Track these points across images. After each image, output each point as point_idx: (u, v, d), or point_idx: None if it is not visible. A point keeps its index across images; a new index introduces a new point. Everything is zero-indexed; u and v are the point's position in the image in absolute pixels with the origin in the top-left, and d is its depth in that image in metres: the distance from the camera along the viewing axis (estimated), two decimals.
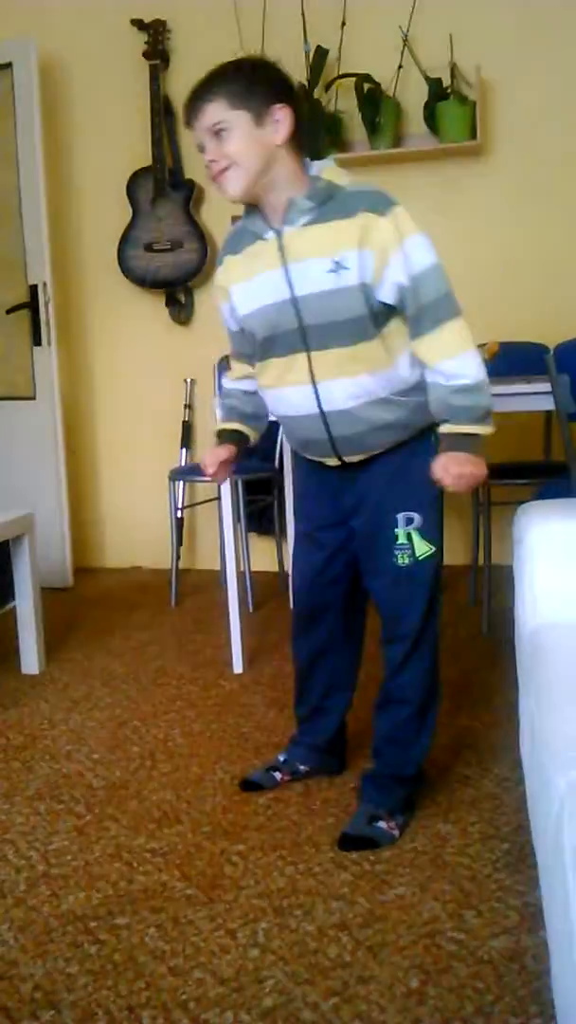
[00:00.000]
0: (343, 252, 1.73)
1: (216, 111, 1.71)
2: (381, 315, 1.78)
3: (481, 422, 1.78)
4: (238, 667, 3.05)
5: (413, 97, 3.94)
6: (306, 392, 1.85)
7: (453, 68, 3.86)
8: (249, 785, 2.22)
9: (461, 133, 3.83)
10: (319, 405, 1.85)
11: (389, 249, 1.72)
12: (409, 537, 1.92)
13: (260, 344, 1.90)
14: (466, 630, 3.36)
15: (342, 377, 1.81)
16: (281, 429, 2.18)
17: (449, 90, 3.84)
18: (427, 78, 3.84)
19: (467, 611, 3.60)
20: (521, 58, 3.89)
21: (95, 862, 1.95)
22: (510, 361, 3.09)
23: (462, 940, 1.63)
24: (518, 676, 1.91)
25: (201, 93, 1.73)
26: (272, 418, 2.11)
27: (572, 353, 2.62)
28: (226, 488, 2.95)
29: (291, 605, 2.25)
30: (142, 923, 1.73)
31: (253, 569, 3.95)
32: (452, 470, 1.76)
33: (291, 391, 1.87)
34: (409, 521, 1.91)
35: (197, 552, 4.56)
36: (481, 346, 2.83)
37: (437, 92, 3.83)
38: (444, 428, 1.80)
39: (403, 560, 1.93)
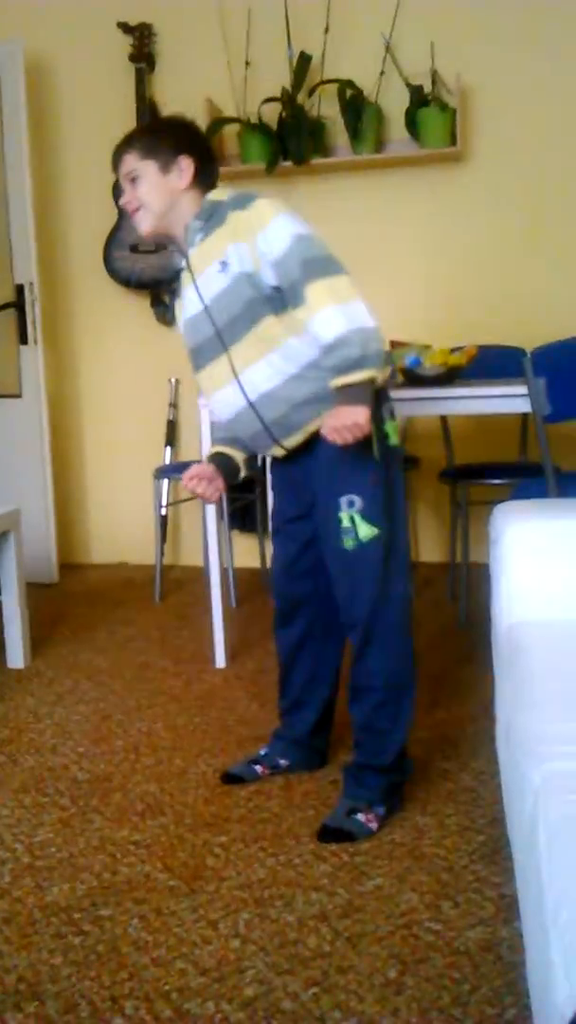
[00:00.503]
0: (225, 252, 1.94)
1: (130, 160, 2.02)
2: (275, 299, 1.92)
3: (353, 371, 1.83)
4: (221, 662, 3.08)
5: (395, 103, 3.97)
6: (234, 388, 2.00)
7: (434, 75, 3.90)
8: (230, 778, 2.26)
9: (441, 139, 3.87)
10: (246, 396, 1.98)
11: (256, 237, 1.90)
12: (352, 520, 1.96)
13: (191, 357, 2.09)
14: (444, 626, 3.41)
15: (255, 362, 1.95)
16: None
17: (430, 97, 3.87)
18: (408, 85, 3.88)
19: (445, 607, 3.64)
20: (501, 66, 3.93)
21: (79, 854, 1.98)
22: (488, 364, 3.14)
23: (439, 931, 1.66)
24: (495, 672, 1.95)
25: (120, 145, 2.05)
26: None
27: (548, 357, 2.65)
28: None
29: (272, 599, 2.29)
30: (125, 914, 1.76)
31: (236, 565, 3.99)
32: (329, 424, 1.86)
33: (223, 392, 2.03)
34: (351, 504, 1.96)
35: (181, 548, 4.59)
36: (459, 349, 2.89)
37: (418, 99, 3.86)
38: (332, 383, 1.87)
39: (348, 544, 1.97)
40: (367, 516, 1.95)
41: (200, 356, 2.06)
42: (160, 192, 2.00)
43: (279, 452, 2.04)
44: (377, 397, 1.93)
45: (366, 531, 1.96)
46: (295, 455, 2.04)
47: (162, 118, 2.07)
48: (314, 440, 1.98)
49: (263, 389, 1.95)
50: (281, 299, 1.91)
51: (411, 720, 2.07)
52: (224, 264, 1.94)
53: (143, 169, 2.00)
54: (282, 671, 2.27)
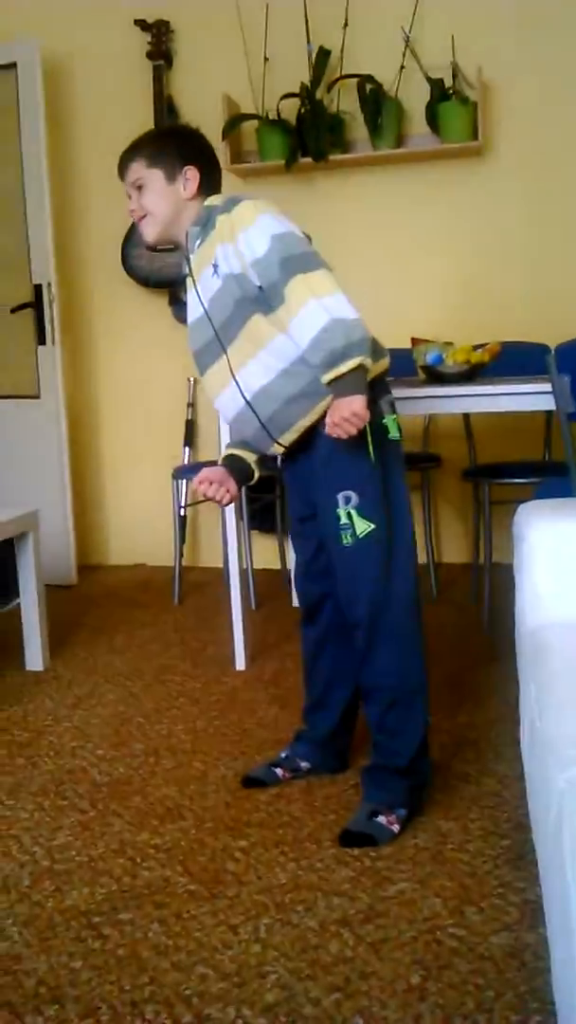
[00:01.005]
0: (215, 255, 1.98)
1: (136, 169, 2.04)
2: (261, 298, 1.94)
3: (341, 362, 1.83)
4: (240, 664, 3.06)
5: (415, 97, 3.95)
6: (232, 388, 2.03)
7: (455, 69, 3.87)
8: (251, 782, 2.24)
9: (462, 133, 3.84)
10: (243, 395, 2.01)
11: (238, 238, 1.93)
12: (349, 516, 1.95)
13: (196, 360, 2.13)
14: (467, 628, 3.38)
15: (248, 361, 1.98)
16: None
17: (451, 91, 3.85)
18: (429, 79, 3.85)
19: (468, 609, 3.61)
20: (522, 59, 3.90)
21: (99, 858, 1.96)
22: (511, 361, 3.11)
23: (463, 936, 1.64)
24: (518, 674, 1.92)
25: (127, 153, 2.07)
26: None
27: (573, 353, 2.62)
28: None
29: (294, 601, 2.28)
30: (145, 918, 1.74)
31: (255, 567, 3.97)
32: (328, 421, 1.86)
33: (224, 393, 2.06)
34: (347, 500, 1.95)
35: (200, 550, 4.57)
36: (482, 346, 2.86)
37: (439, 93, 3.84)
38: (322, 377, 1.87)
39: (346, 540, 1.97)
40: (363, 512, 1.95)
41: (203, 358, 2.09)
42: (166, 201, 2.04)
43: (279, 450, 2.05)
44: (374, 390, 1.93)
45: (363, 527, 1.95)
46: (297, 454, 2.05)
47: (168, 127, 2.16)
48: (312, 438, 1.99)
49: (257, 387, 1.98)
50: (267, 298, 1.93)
51: (426, 721, 2.06)
52: (215, 267, 1.98)
53: (149, 178, 2.03)
54: (305, 671, 2.27)
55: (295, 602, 2.52)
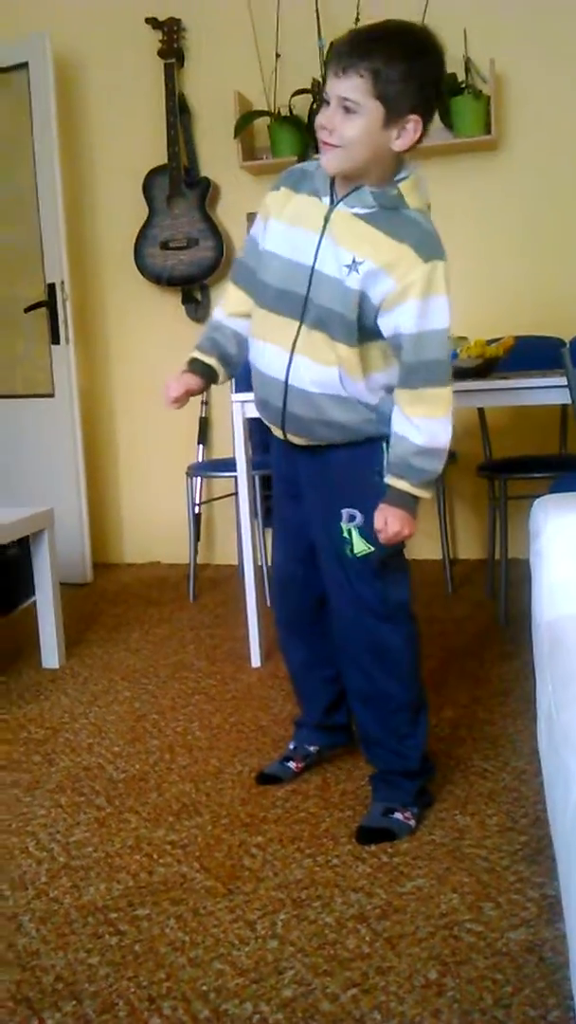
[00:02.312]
0: (365, 259, 1.75)
1: (357, 87, 1.65)
2: (368, 333, 1.80)
3: (428, 487, 1.84)
4: (256, 661, 3.06)
5: None
6: (283, 358, 1.86)
7: (467, 62, 3.86)
8: (265, 778, 2.24)
9: (476, 128, 3.83)
10: (287, 374, 1.87)
11: (411, 294, 1.74)
12: (350, 533, 1.94)
13: (265, 291, 1.89)
14: (483, 623, 3.37)
15: (317, 361, 1.83)
16: None
17: (464, 84, 3.83)
18: None
19: (484, 604, 3.60)
20: (535, 52, 3.87)
21: (115, 854, 1.97)
22: (525, 355, 3.09)
23: (480, 932, 1.64)
24: (535, 669, 1.91)
25: (357, 54, 1.65)
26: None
27: None
28: (243, 483, 2.96)
29: None
30: (162, 914, 1.74)
31: (270, 563, 3.96)
32: (392, 525, 1.82)
33: (271, 349, 1.89)
34: (352, 518, 1.93)
35: (215, 547, 4.57)
36: (496, 341, 2.84)
37: (452, 87, 3.82)
38: (395, 482, 1.83)
39: (343, 553, 1.95)
40: (365, 534, 1.92)
41: (273, 299, 1.87)
42: (371, 143, 1.69)
43: (278, 433, 1.99)
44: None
45: (361, 547, 1.93)
46: (299, 449, 1.99)
47: (422, 42, 1.72)
48: (320, 447, 1.94)
49: (305, 386, 1.86)
50: (370, 337, 1.81)
51: (427, 722, 2.06)
52: (354, 265, 1.75)
53: (366, 108, 1.66)
54: (283, 654, 2.28)
55: None
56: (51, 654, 3.15)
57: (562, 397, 2.65)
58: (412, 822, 1.98)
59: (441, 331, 1.77)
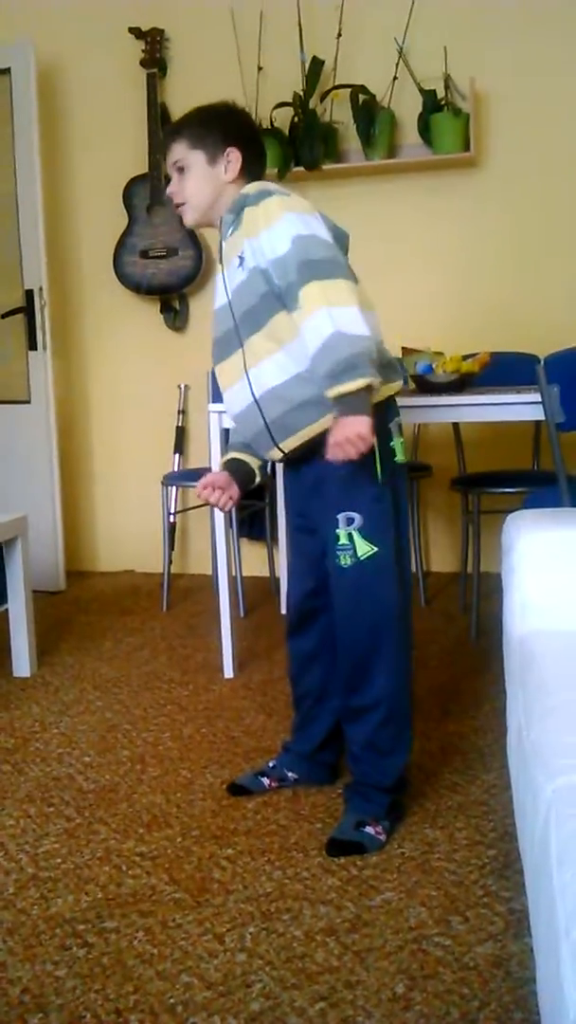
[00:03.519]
0: (242, 247, 1.93)
1: (178, 150, 2.01)
2: (282, 299, 1.89)
3: (345, 378, 1.74)
4: (229, 672, 3.06)
5: (408, 108, 3.96)
6: (243, 383, 1.97)
7: (447, 80, 3.89)
8: (237, 789, 2.23)
9: (455, 145, 3.86)
10: (252, 392, 1.95)
11: (261, 234, 1.88)
12: (350, 537, 1.93)
13: (214, 349, 2.07)
14: (455, 637, 3.38)
15: (264, 358, 1.92)
16: None
17: (443, 102, 3.86)
18: (422, 90, 3.87)
19: (456, 618, 3.62)
20: (515, 71, 3.91)
21: (84, 865, 1.95)
22: (501, 371, 3.11)
23: (448, 946, 1.64)
24: (506, 683, 1.92)
25: (170, 132, 2.04)
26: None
27: (562, 364, 2.63)
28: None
29: (282, 609, 2.27)
30: (131, 927, 1.73)
31: (245, 574, 3.96)
32: (330, 441, 1.78)
33: (235, 387, 2.01)
34: (350, 521, 1.92)
35: (189, 557, 4.57)
36: (472, 356, 2.86)
37: (431, 104, 3.86)
38: (332, 392, 1.77)
39: (345, 561, 1.94)
40: (366, 535, 1.92)
41: (220, 348, 2.04)
42: (206, 184, 2.00)
43: (277, 455, 1.99)
44: (384, 411, 1.90)
45: (364, 549, 1.93)
46: (299, 463, 2.01)
47: (213, 105, 2.06)
48: (316, 449, 1.92)
49: (268, 386, 1.91)
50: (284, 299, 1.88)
51: (411, 741, 2.06)
52: (241, 259, 1.93)
53: (191, 159, 1.99)
54: (292, 684, 2.24)
55: (284, 609, 2.51)
56: (23, 662, 3.13)
57: (536, 413, 2.68)
58: (383, 836, 1.97)
59: (295, 239, 1.82)
